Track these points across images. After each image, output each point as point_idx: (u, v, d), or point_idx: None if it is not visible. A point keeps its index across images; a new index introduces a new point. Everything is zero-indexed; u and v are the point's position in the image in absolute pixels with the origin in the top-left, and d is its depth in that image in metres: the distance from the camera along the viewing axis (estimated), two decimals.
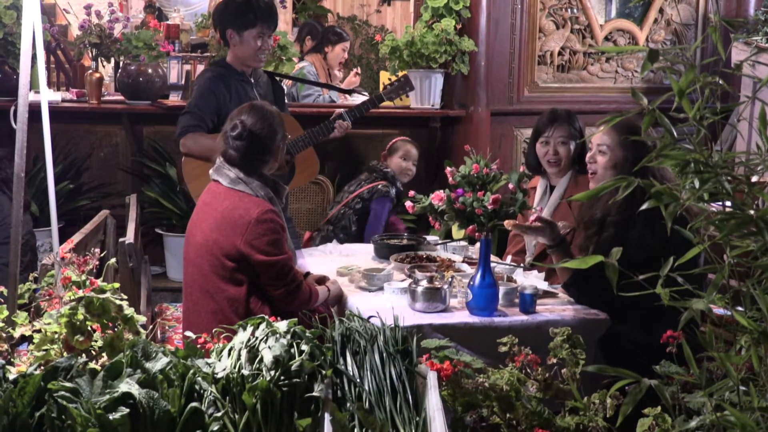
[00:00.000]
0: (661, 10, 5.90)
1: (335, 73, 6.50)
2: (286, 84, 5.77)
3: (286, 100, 4.54)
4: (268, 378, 1.88)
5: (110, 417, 1.78)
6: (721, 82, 1.65)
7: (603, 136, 3.11)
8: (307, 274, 3.34)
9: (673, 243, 1.99)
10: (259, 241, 2.96)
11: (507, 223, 2.91)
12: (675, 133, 1.61)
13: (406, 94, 4.75)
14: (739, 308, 1.58)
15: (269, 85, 4.28)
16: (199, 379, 1.94)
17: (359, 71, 6.45)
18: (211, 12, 10.20)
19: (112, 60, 5.74)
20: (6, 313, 2.34)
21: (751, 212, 1.53)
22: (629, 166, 2.96)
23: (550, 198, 3.66)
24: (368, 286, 3.24)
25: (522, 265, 3.51)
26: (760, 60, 2.11)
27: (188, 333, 2.21)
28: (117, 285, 2.33)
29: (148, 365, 1.94)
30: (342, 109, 4.33)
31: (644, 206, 1.64)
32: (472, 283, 2.92)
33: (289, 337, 1.99)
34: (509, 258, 3.65)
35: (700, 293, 1.61)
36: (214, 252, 3.01)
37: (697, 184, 1.57)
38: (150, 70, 5.49)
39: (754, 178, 1.68)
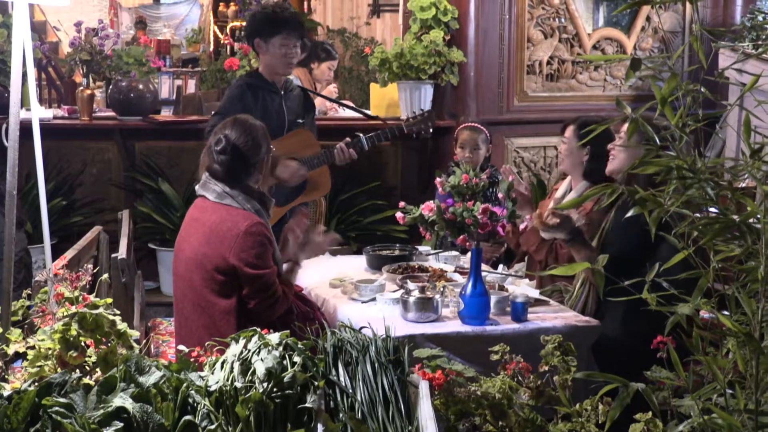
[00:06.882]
0: (648, 18, 5.94)
1: (320, 89, 6.48)
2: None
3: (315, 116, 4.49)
4: (261, 390, 1.89)
5: None
6: (703, 89, 1.67)
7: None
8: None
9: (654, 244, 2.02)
10: (248, 253, 2.96)
11: (534, 216, 3.03)
12: (658, 141, 1.64)
13: (429, 129, 4.38)
14: (725, 312, 1.60)
15: (300, 99, 4.31)
16: (193, 392, 1.95)
17: (337, 86, 6.38)
18: (202, 26, 10.27)
19: (103, 76, 5.75)
20: (0, 330, 2.35)
21: (735, 217, 1.55)
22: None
23: (564, 200, 3.68)
24: (360, 297, 3.25)
25: (512, 273, 3.53)
26: (747, 66, 2.14)
27: (181, 347, 2.22)
28: (110, 300, 2.34)
29: (141, 379, 1.94)
30: (361, 134, 4.21)
31: (630, 213, 1.66)
32: (463, 292, 2.94)
33: (281, 349, 2.00)
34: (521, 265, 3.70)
35: (685, 298, 1.63)
36: (203, 266, 3.02)
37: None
38: (141, 86, 5.51)
39: (742, 184, 1.70)
